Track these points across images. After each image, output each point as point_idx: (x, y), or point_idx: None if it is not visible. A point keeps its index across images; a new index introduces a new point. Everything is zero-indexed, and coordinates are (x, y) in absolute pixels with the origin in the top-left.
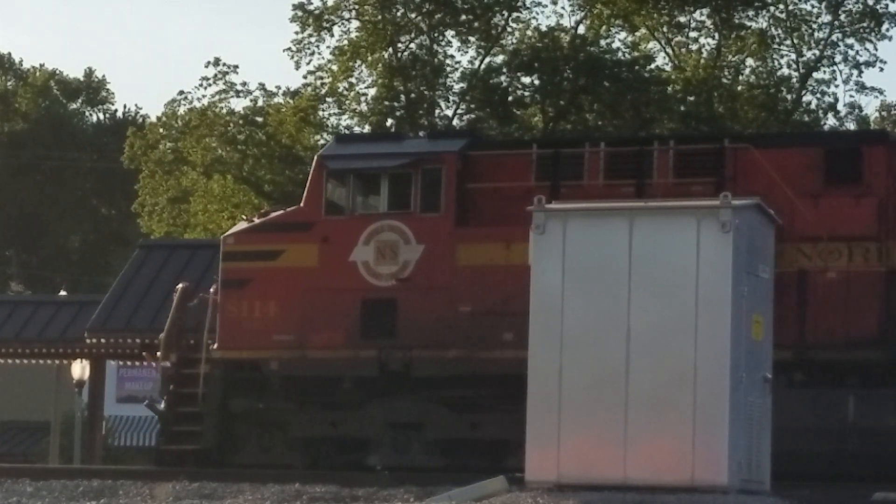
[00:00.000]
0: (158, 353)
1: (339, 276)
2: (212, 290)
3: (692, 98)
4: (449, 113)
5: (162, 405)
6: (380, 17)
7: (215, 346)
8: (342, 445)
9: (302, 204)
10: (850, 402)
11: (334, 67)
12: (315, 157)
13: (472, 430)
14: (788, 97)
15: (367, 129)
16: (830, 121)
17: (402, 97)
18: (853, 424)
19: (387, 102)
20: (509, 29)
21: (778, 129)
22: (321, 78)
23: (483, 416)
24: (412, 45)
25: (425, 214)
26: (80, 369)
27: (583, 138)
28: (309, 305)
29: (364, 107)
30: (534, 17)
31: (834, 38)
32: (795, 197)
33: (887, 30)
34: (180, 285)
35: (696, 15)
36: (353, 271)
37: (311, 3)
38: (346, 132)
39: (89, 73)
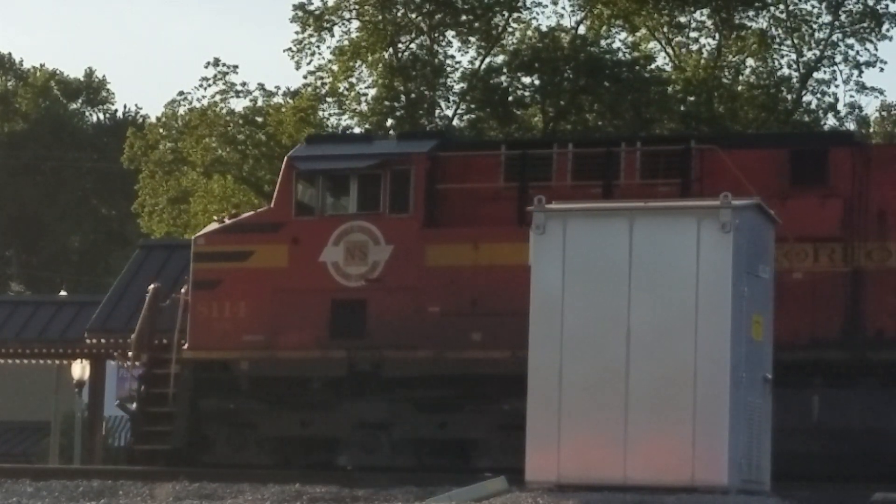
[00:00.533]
0: (130, 354)
1: (308, 276)
2: (183, 290)
3: (692, 98)
4: (449, 113)
5: (134, 405)
6: (380, 17)
7: (186, 346)
8: (312, 445)
9: (272, 205)
10: (815, 403)
11: (334, 67)
12: (285, 159)
13: (441, 430)
14: (789, 97)
15: (367, 129)
16: (831, 121)
17: (403, 97)
18: (818, 425)
19: (387, 102)
20: (510, 29)
21: (778, 129)
22: (321, 78)
23: (452, 415)
24: (412, 46)
25: (394, 215)
26: (80, 369)
27: (551, 139)
28: (279, 306)
29: (364, 107)
30: (534, 18)
31: (834, 38)
32: (761, 198)
33: (887, 30)
34: (151, 286)
35: (697, 15)
36: (323, 272)
37: (312, 4)
38: (346, 132)
39: (89, 73)
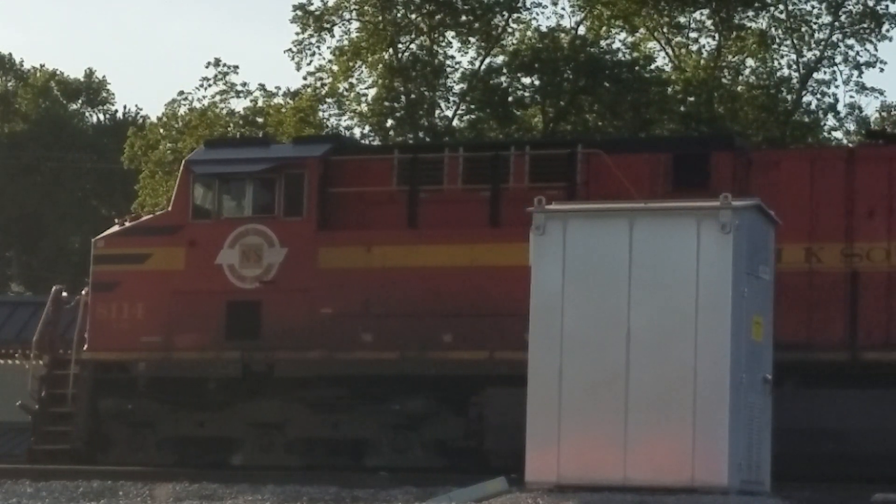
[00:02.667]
0: (32, 355)
1: (205, 279)
2: (84, 292)
3: (692, 99)
4: (449, 114)
5: (36, 406)
6: (380, 17)
7: (86, 347)
8: (209, 445)
9: (170, 208)
10: None
11: (334, 68)
12: (182, 162)
13: (333, 430)
14: (788, 98)
15: (367, 129)
16: (830, 121)
17: (403, 98)
18: None
19: (387, 103)
20: (509, 30)
21: (778, 129)
22: (321, 79)
23: (344, 416)
24: (412, 46)
25: (288, 218)
26: None
27: (442, 144)
28: (175, 308)
29: (364, 107)
30: (534, 18)
31: (834, 38)
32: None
33: (887, 30)
34: (54, 287)
35: (696, 15)
36: (219, 274)
37: (312, 4)
38: (347, 132)
39: (89, 73)
